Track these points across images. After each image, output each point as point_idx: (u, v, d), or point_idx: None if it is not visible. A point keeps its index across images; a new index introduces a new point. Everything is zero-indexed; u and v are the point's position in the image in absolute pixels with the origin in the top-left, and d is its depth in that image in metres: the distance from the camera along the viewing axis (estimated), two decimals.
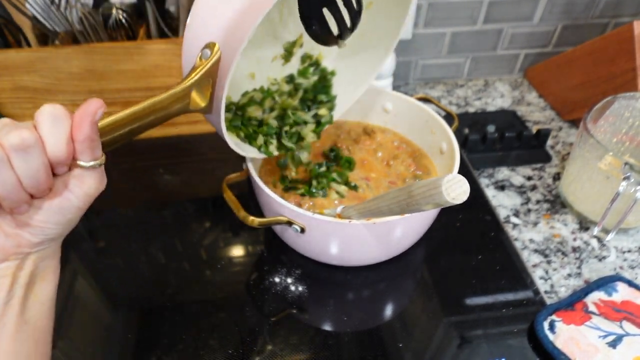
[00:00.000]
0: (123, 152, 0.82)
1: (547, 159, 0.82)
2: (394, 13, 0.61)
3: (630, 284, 0.58)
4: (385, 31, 0.63)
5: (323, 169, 0.66)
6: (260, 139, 0.59)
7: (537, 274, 0.62)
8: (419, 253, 0.65)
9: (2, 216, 0.33)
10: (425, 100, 0.74)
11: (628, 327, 0.52)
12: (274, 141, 0.61)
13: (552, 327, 0.53)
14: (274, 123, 0.61)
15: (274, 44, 0.63)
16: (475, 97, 0.99)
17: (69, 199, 0.34)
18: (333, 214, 0.55)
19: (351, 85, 0.68)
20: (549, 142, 0.85)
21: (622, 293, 0.57)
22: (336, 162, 0.68)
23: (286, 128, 0.62)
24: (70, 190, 0.34)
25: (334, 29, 0.51)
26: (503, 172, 0.79)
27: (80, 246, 0.66)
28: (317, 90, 0.65)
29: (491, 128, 0.88)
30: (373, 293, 0.60)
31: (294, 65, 0.66)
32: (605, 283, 0.58)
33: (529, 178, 0.78)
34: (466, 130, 0.87)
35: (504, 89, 1.02)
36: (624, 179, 0.56)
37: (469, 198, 0.34)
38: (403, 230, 0.56)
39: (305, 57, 0.66)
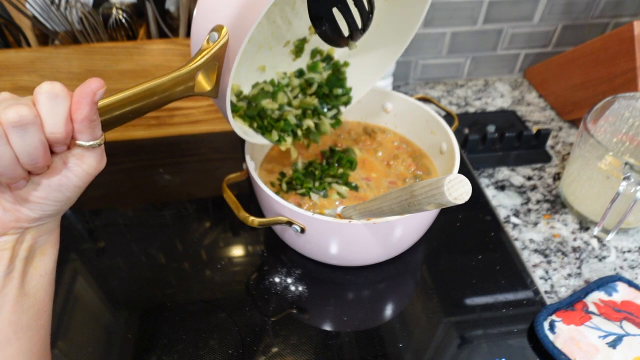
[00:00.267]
0: (123, 152, 0.82)
1: (547, 159, 0.82)
2: (411, 9, 0.59)
3: (630, 284, 0.58)
4: (400, 27, 0.62)
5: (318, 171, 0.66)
6: (275, 135, 0.60)
7: (537, 274, 0.62)
8: (419, 253, 0.65)
9: (1, 191, 0.33)
10: (425, 100, 0.74)
11: (628, 327, 0.52)
12: (289, 138, 0.61)
13: (552, 327, 0.53)
14: (292, 120, 0.61)
15: (281, 41, 0.63)
16: (475, 97, 0.99)
17: (68, 177, 0.34)
18: (333, 214, 0.55)
19: (359, 82, 0.67)
20: (549, 142, 0.85)
21: (622, 293, 0.57)
22: (339, 162, 0.68)
23: (304, 125, 0.63)
24: (69, 168, 0.34)
25: (345, 30, 0.49)
26: (503, 172, 0.79)
27: (80, 246, 0.66)
28: (331, 84, 0.65)
29: (491, 128, 0.88)
30: (373, 293, 0.60)
31: (305, 60, 0.66)
32: (605, 283, 0.58)
33: (529, 178, 0.78)
34: (466, 130, 0.87)
35: (504, 89, 1.02)
36: (624, 179, 0.56)
37: (469, 198, 0.34)
38: (403, 230, 0.56)
39: (315, 52, 0.66)
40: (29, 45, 0.74)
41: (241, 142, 0.61)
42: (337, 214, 0.55)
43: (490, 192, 0.75)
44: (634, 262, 0.64)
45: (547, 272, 0.63)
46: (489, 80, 1.05)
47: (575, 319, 0.53)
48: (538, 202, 0.74)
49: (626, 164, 0.57)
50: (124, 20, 0.75)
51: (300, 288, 0.60)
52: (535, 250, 0.66)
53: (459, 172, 0.51)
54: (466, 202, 0.34)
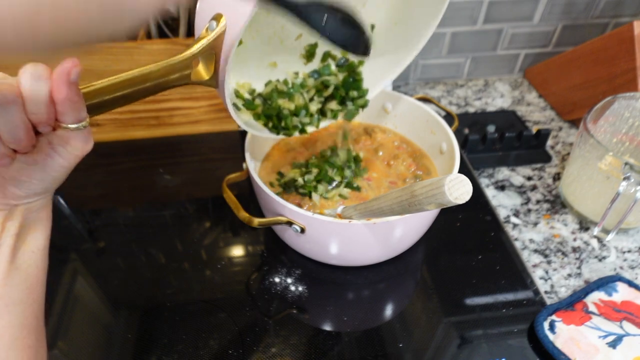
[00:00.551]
0: (123, 152, 0.82)
1: (547, 159, 0.82)
2: (428, 9, 0.59)
3: (630, 284, 0.58)
4: (415, 28, 0.62)
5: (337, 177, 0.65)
6: (296, 132, 0.61)
7: (537, 274, 0.62)
8: (419, 253, 0.65)
9: None
10: (425, 100, 0.74)
11: (628, 327, 0.52)
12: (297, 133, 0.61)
13: (552, 327, 0.53)
14: (308, 121, 0.62)
15: (291, 34, 0.62)
16: (475, 97, 0.99)
17: (53, 157, 0.34)
18: (333, 214, 0.55)
19: (370, 82, 0.67)
20: (549, 142, 0.85)
21: (622, 293, 0.57)
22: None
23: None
24: (54, 149, 0.34)
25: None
26: (503, 172, 0.79)
27: (80, 246, 0.66)
28: (347, 86, 0.64)
29: (491, 128, 0.88)
30: (373, 293, 0.60)
31: (316, 63, 0.66)
32: (605, 283, 0.58)
33: (529, 178, 0.78)
34: (466, 130, 0.87)
35: (504, 89, 1.02)
36: (624, 179, 0.56)
37: (469, 198, 0.34)
38: (403, 230, 0.56)
39: (326, 55, 0.64)
40: None
41: (241, 142, 0.61)
42: (337, 214, 0.55)
43: (490, 192, 0.75)
44: (634, 262, 0.64)
45: (547, 272, 0.63)
46: (489, 80, 1.05)
47: (575, 319, 0.53)
48: (538, 202, 0.74)
49: (626, 164, 0.57)
50: None
51: (300, 288, 0.60)
52: (535, 250, 0.66)
53: (459, 172, 0.51)
54: (466, 202, 0.34)
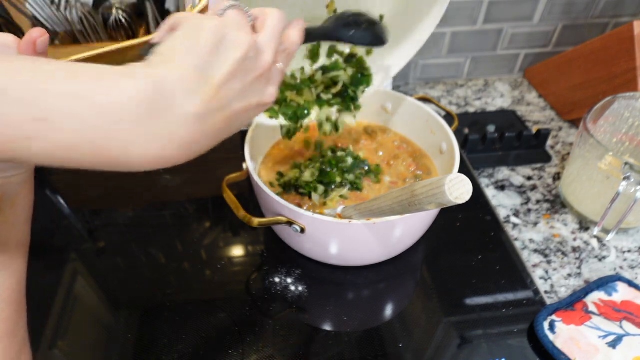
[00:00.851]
0: None
1: (547, 159, 0.82)
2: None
3: (630, 284, 0.58)
4: (422, 16, 0.61)
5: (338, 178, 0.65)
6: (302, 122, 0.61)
7: (537, 274, 0.62)
8: (419, 253, 0.65)
9: None
10: (425, 100, 0.74)
11: (628, 327, 0.52)
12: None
13: (552, 327, 0.53)
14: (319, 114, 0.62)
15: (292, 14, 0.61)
16: (475, 97, 0.99)
17: None
18: (333, 214, 0.55)
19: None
20: (549, 142, 0.85)
21: (622, 293, 0.57)
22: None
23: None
24: None
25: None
26: (503, 172, 0.79)
27: (80, 246, 0.66)
28: (356, 82, 0.63)
29: (491, 128, 0.88)
30: (373, 293, 0.60)
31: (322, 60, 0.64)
32: (605, 283, 0.58)
33: (529, 178, 0.78)
34: (466, 130, 0.87)
35: (504, 89, 1.02)
36: (624, 179, 0.56)
37: (469, 198, 0.34)
38: (403, 230, 0.56)
39: (331, 51, 0.63)
40: None
41: (241, 142, 0.61)
42: (337, 214, 0.55)
43: (490, 192, 0.75)
44: (634, 262, 0.64)
45: (547, 272, 0.63)
46: (489, 80, 1.05)
47: (575, 319, 0.53)
48: (538, 202, 0.74)
49: (626, 164, 0.57)
50: (123, 20, 0.75)
51: (300, 288, 0.60)
52: (535, 250, 0.66)
53: (459, 172, 0.51)
54: (466, 202, 0.34)
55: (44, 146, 0.24)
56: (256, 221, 0.52)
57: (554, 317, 0.54)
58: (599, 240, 0.67)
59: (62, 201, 0.73)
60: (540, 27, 0.97)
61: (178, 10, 0.77)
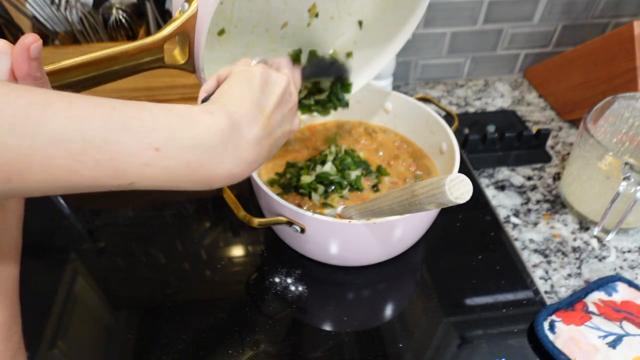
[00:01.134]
0: None
1: (547, 159, 0.82)
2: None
3: (630, 284, 0.58)
4: (407, 9, 0.61)
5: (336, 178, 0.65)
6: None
7: (537, 274, 0.62)
8: (419, 253, 0.65)
9: None
10: (425, 100, 0.74)
11: (628, 327, 0.52)
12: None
13: (552, 327, 0.53)
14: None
15: (277, 23, 0.62)
16: (475, 97, 0.99)
17: None
18: (333, 214, 0.55)
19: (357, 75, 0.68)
20: (549, 142, 0.85)
21: (622, 293, 0.57)
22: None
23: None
24: None
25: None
26: (503, 172, 0.79)
27: (80, 246, 0.66)
28: (336, 92, 0.65)
29: (491, 128, 0.88)
30: (373, 293, 0.60)
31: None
32: (605, 283, 0.58)
33: (529, 178, 0.78)
34: (466, 130, 0.87)
35: (504, 89, 1.02)
36: (624, 179, 0.56)
37: (469, 198, 0.34)
38: (403, 230, 0.56)
39: (312, 54, 0.65)
40: None
41: None
42: (337, 214, 0.55)
43: (490, 192, 0.75)
44: (634, 262, 0.64)
45: (547, 272, 0.63)
46: (489, 80, 1.05)
47: (575, 319, 0.53)
48: (538, 202, 0.74)
49: (626, 164, 0.57)
50: (124, 20, 0.75)
51: (300, 288, 0.60)
52: (535, 250, 0.66)
53: (459, 172, 0.51)
54: (466, 202, 0.34)
55: (154, 171, 0.29)
56: (256, 221, 0.52)
57: (554, 317, 0.54)
58: (599, 240, 0.67)
59: (62, 201, 0.73)
60: (540, 27, 0.97)
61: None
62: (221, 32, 0.56)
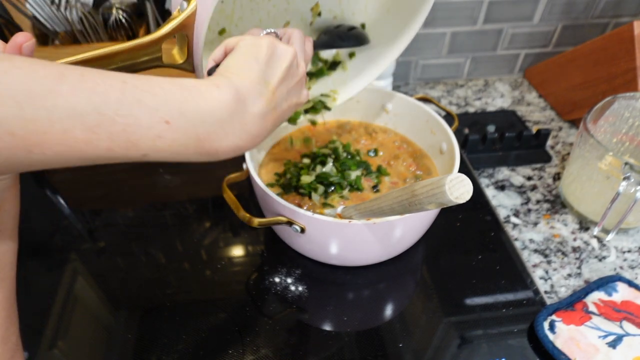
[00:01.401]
0: None
1: (547, 159, 0.82)
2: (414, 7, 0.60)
3: (630, 284, 0.58)
4: (411, 9, 0.61)
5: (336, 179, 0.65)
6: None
7: (537, 274, 0.62)
8: (419, 253, 0.65)
9: None
10: (425, 100, 0.74)
11: (628, 327, 0.52)
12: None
13: (552, 327, 0.53)
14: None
15: (279, 22, 0.62)
16: (475, 97, 0.99)
17: None
18: (333, 214, 0.55)
19: (356, 78, 0.68)
20: (549, 142, 0.85)
21: (622, 293, 0.57)
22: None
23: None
24: None
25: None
26: (503, 172, 0.79)
27: (80, 246, 0.66)
28: (321, 101, 0.68)
29: (491, 128, 0.88)
30: (373, 293, 0.60)
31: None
32: (605, 283, 0.58)
33: (529, 178, 0.78)
34: (466, 130, 0.87)
35: (504, 89, 1.02)
36: (624, 179, 0.56)
37: (469, 198, 0.34)
38: (403, 230, 0.56)
39: (314, 59, 0.67)
40: None
41: None
42: (337, 213, 0.55)
43: (490, 192, 0.75)
44: (634, 262, 0.64)
45: (547, 272, 0.63)
46: (489, 80, 1.05)
47: (575, 319, 0.53)
48: (538, 202, 0.74)
49: (626, 164, 0.57)
50: (124, 20, 0.75)
51: (300, 288, 0.60)
52: (535, 250, 0.66)
53: (459, 172, 0.51)
54: (466, 202, 0.34)
55: (165, 143, 0.29)
56: (256, 221, 0.52)
57: (554, 317, 0.54)
58: (599, 240, 0.67)
59: (62, 201, 0.73)
60: (540, 27, 0.97)
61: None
62: (222, 32, 0.55)
